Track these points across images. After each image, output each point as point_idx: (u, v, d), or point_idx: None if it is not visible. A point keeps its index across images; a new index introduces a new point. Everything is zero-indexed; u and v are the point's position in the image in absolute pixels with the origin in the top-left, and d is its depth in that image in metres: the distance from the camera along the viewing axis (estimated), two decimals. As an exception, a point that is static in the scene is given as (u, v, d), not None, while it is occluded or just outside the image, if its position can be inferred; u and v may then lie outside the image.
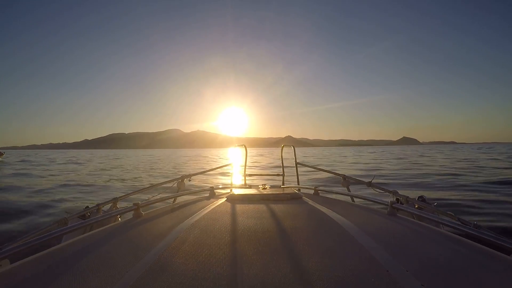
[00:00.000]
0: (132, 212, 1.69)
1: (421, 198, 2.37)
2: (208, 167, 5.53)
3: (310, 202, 2.02)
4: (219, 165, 4.30)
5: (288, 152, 3.90)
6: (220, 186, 2.64)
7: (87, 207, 2.16)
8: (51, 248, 1.21)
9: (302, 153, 56.12)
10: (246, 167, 3.69)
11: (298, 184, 3.33)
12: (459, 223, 1.50)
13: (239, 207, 1.88)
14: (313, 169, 3.90)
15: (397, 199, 2.23)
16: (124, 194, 2.45)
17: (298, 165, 3.64)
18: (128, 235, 1.38)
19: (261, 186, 2.66)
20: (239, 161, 3.78)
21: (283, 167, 3.73)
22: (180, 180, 3.02)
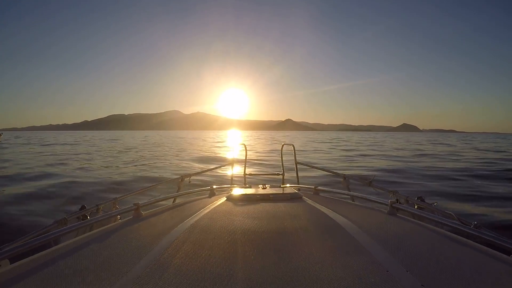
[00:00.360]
0: (132, 212, 1.69)
1: (421, 198, 2.35)
2: (209, 166, 5.53)
3: (310, 201, 2.02)
4: (219, 165, 4.27)
5: (288, 152, 3.86)
6: (220, 186, 2.63)
7: (87, 207, 2.15)
8: (51, 248, 1.22)
9: (307, 138, 55.29)
10: (246, 167, 3.67)
11: (298, 184, 3.28)
12: (459, 223, 1.51)
13: (239, 206, 1.89)
14: (313, 168, 3.89)
15: (397, 199, 2.19)
16: (123, 194, 2.45)
17: (298, 164, 3.64)
18: (128, 235, 1.38)
19: (261, 185, 2.63)
20: (239, 160, 3.70)
21: (283, 166, 3.72)
22: (180, 180, 3.02)
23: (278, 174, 3.71)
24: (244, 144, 3.98)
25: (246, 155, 3.82)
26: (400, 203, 2.00)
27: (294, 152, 3.66)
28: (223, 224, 1.47)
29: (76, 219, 1.94)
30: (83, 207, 2.12)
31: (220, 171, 8.78)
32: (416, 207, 2.14)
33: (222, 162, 12.96)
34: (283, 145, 3.96)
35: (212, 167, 4.49)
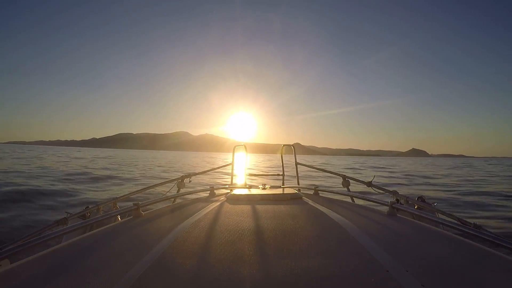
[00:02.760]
0: (132, 212, 1.69)
1: (421, 199, 2.38)
2: (210, 167, 5.87)
3: (310, 202, 2.02)
4: (219, 165, 4.39)
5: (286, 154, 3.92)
6: (220, 186, 2.67)
7: (87, 207, 2.14)
8: (51, 248, 1.21)
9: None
10: (246, 167, 3.68)
11: (298, 184, 3.35)
12: (459, 223, 1.54)
13: (239, 207, 1.87)
14: (313, 169, 3.95)
15: (397, 200, 2.25)
16: (124, 194, 2.47)
17: (298, 165, 3.64)
18: (128, 235, 1.38)
19: (261, 186, 2.67)
20: (239, 162, 3.79)
21: (283, 167, 3.74)
22: (180, 180, 3.02)
23: (278, 175, 3.73)
24: (244, 145, 3.89)
25: (246, 155, 3.75)
26: (400, 203, 2.02)
27: (294, 153, 3.66)
28: (223, 224, 1.47)
29: (76, 219, 1.94)
30: (86, 208, 2.12)
31: (220, 172, 8.94)
32: (416, 207, 2.16)
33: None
34: (283, 146, 3.95)
35: (213, 167, 4.55)
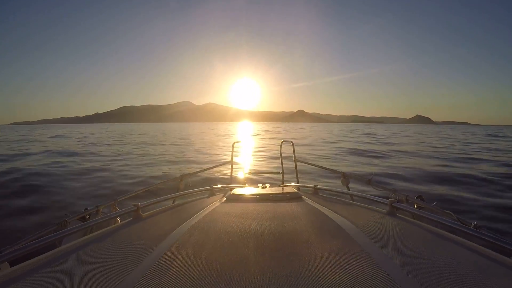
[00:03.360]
0: (132, 213, 1.68)
1: (420, 197, 2.40)
2: (209, 165, 5.84)
3: (310, 201, 2.02)
4: (219, 164, 4.31)
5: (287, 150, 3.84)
6: (220, 185, 2.69)
7: (87, 209, 2.14)
8: (51, 251, 1.21)
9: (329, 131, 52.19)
10: (246, 165, 4.16)
11: (298, 182, 3.35)
12: (459, 223, 1.50)
13: (239, 206, 1.88)
14: (312, 166, 3.94)
15: (397, 198, 2.28)
16: (123, 195, 2.48)
17: (297, 162, 3.65)
18: (128, 237, 1.37)
19: (261, 185, 2.68)
20: (238, 159, 4.10)
21: (282, 165, 3.71)
22: (179, 180, 3.01)
23: (277, 173, 3.72)
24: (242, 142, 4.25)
25: (245, 153, 4.49)
26: (399, 202, 2.02)
27: (293, 149, 3.67)
28: (223, 224, 1.47)
29: (76, 221, 1.94)
30: (86, 210, 2.14)
31: (220, 170, 8.83)
32: (415, 206, 2.18)
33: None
34: (282, 142, 3.94)
35: (212, 166, 4.56)
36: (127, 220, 1.69)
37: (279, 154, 3.81)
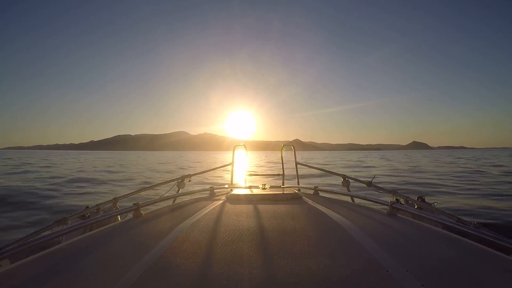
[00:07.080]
0: (132, 212, 1.69)
1: (421, 198, 2.38)
2: (210, 166, 5.66)
3: (310, 202, 2.01)
4: (219, 165, 4.35)
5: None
6: (220, 186, 2.68)
7: (87, 207, 2.15)
8: (51, 248, 1.21)
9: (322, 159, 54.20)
10: (246, 170, 3.73)
11: (298, 184, 3.36)
12: (459, 223, 1.49)
13: (239, 207, 1.87)
14: (313, 169, 3.97)
15: (397, 199, 2.23)
16: (124, 194, 2.51)
17: (298, 165, 3.66)
18: (128, 235, 1.38)
19: (261, 186, 2.69)
20: (239, 161, 3.79)
21: (283, 167, 3.74)
22: (180, 180, 3.03)
23: (278, 175, 3.73)
24: (244, 145, 3.89)
25: (246, 154, 3.82)
26: (400, 203, 2.00)
27: (294, 153, 3.69)
28: (223, 224, 1.47)
29: (76, 219, 1.95)
30: (86, 208, 2.14)
31: (220, 172, 8.07)
32: (416, 207, 2.14)
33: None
34: (283, 146, 4.01)
35: (212, 167, 4.51)
36: (127, 219, 1.71)
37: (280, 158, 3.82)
